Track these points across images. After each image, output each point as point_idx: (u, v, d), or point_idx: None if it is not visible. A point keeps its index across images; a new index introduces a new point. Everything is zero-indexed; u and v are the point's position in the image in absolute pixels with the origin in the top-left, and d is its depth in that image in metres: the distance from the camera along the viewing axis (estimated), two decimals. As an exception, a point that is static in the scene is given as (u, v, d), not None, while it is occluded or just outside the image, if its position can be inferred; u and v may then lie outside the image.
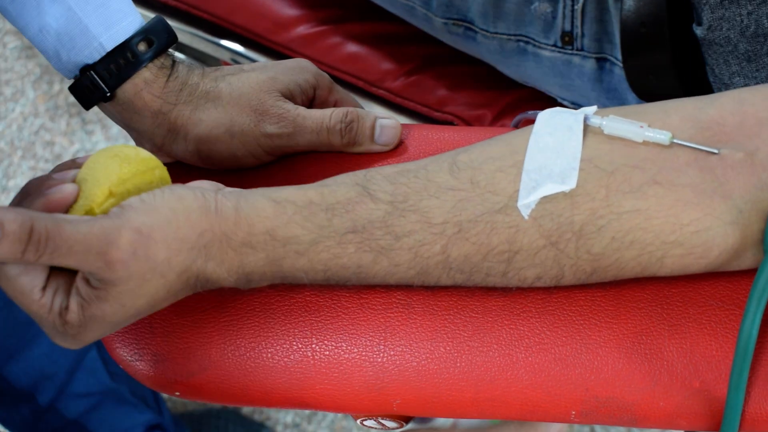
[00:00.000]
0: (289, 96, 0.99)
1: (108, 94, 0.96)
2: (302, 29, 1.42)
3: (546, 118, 0.86)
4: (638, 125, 0.83)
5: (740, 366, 0.81)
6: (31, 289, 0.79)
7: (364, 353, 0.88)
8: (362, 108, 1.04)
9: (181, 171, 0.99)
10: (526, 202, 0.82)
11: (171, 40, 0.97)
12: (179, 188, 0.83)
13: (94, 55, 0.95)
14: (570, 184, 0.82)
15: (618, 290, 0.89)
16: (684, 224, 0.81)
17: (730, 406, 0.82)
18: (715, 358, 0.86)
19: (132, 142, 1.00)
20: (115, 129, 2.21)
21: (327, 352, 0.89)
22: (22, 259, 0.75)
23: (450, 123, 1.37)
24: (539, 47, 1.25)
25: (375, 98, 1.40)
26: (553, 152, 0.83)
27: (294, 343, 0.89)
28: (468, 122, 1.36)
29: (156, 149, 0.99)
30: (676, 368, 0.86)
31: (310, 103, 1.01)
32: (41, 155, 2.19)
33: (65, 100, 2.24)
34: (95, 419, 1.57)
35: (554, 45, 1.24)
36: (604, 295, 0.88)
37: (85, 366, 1.57)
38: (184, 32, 1.49)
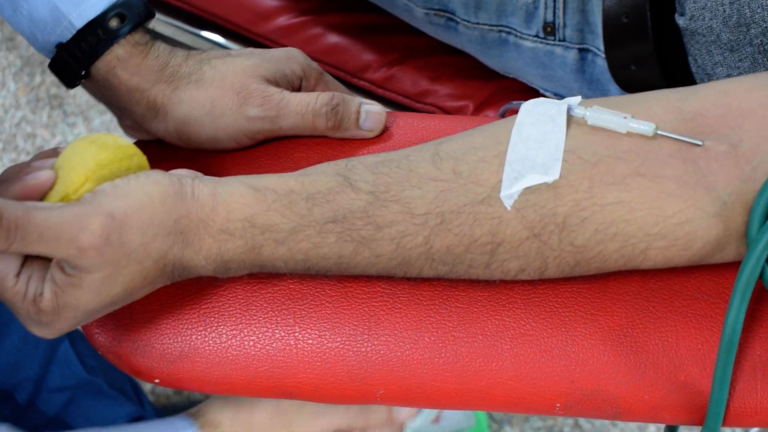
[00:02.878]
0: (274, 83, 0.97)
1: (83, 73, 0.94)
2: (283, 20, 1.41)
3: (529, 108, 0.85)
4: (622, 116, 0.83)
5: (724, 360, 0.81)
6: (4, 275, 0.79)
7: (347, 342, 0.88)
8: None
9: (161, 152, 0.99)
10: (509, 192, 0.82)
11: (147, 15, 0.95)
12: (155, 173, 0.82)
13: (65, 34, 0.93)
14: (553, 175, 0.82)
15: (603, 282, 0.88)
16: (667, 216, 0.81)
17: (714, 400, 0.82)
18: (700, 352, 0.86)
19: (119, 132, 0.99)
20: (97, 121, 2.19)
21: (310, 341, 0.88)
22: None
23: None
24: (521, 38, 1.24)
25: (356, 89, 1.39)
26: (536, 143, 0.83)
27: (277, 330, 0.88)
28: (450, 113, 1.35)
29: (136, 126, 0.98)
30: (661, 361, 0.86)
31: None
32: (23, 147, 2.18)
33: (46, 92, 2.23)
34: (75, 413, 1.56)
35: (536, 35, 1.23)
36: (589, 287, 0.88)
37: (58, 359, 1.55)
38: (164, 23, 1.48)
